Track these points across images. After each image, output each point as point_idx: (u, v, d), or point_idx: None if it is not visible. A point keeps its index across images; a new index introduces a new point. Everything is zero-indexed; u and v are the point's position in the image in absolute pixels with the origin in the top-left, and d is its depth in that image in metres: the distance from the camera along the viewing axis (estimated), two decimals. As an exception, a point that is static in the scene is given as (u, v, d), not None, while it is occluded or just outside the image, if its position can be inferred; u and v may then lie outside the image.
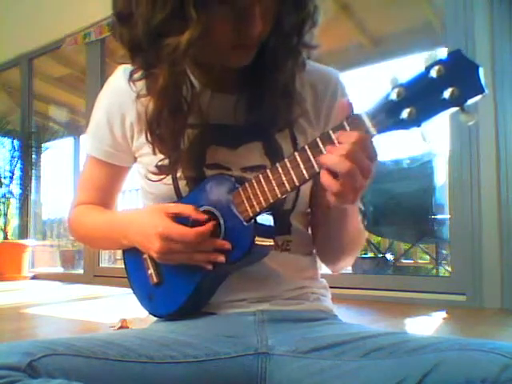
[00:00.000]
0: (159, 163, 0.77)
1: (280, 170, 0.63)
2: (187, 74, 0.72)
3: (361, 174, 0.57)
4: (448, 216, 2.76)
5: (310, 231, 0.85)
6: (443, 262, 3.99)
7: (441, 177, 3.49)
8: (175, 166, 0.75)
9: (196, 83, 0.76)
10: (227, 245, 0.68)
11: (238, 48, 0.66)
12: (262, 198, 0.65)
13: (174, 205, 0.74)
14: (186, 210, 0.70)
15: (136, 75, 0.73)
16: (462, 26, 2.45)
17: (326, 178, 0.58)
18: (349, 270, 3.96)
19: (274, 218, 0.70)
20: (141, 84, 0.74)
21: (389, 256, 4.18)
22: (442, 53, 0.52)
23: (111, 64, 4.13)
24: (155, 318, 0.82)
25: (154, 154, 0.76)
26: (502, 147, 2.33)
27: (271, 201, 0.65)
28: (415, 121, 0.54)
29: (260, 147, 0.77)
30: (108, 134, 0.83)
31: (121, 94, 0.80)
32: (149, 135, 0.74)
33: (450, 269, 3.18)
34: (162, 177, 0.77)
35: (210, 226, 0.68)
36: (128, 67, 0.75)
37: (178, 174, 0.76)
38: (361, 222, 0.81)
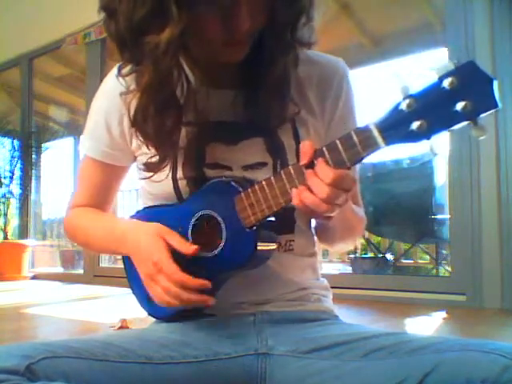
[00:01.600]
0: (148, 160, 0.75)
1: (284, 177, 0.62)
2: (183, 70, 0.70)
3: (336, 208, 0.59)
4: (448, 216, 2.76)
5: (312, 231, 0.84)
6: (443, 261, 3.99)
7: (441, 177, 3.49)
8: (162, 164, 0.74)
9: (192, 79, 0.74)
10: (209, 284, 0.65)
11: (228, 45, 0.66)
12: (265, 206, 0.64)
13: (175, 237, 0.69)
14: (183, 248, 0.67)
15: (124, 70, 0.71)
16: (462, 26, 2.45)
17: (301, 208, 0.60)
18: (349, 270, 3.96)
19: (278, 216, 0.68)
20: (130, 80, 0.72)
21: (389, 256, 4.17)
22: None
23: (111, 64, 4.13)
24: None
25: (149, 150, 0.75)
26: (502, 147, 2.33)
27: (274, 209, 0.63)
28: (425, 133, 0.52)
29: (261, 143, 0.75)
30: (105, 133, 0.82)
31: (117, 92, 0.77)
32: (137, 132, 0.73)
33: (450, 269, 3.18)
34: (151, 174, 0.76)
35: (198, 281, 0.64)
36: None
37: (178, 175, 0.75)
38: (357, 210, 0.79)
